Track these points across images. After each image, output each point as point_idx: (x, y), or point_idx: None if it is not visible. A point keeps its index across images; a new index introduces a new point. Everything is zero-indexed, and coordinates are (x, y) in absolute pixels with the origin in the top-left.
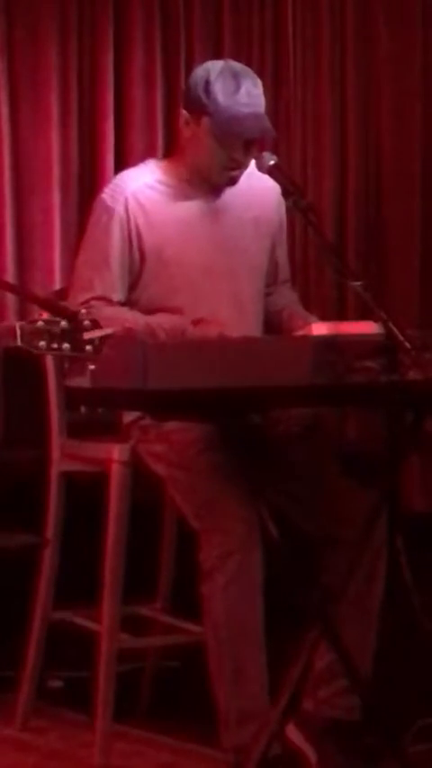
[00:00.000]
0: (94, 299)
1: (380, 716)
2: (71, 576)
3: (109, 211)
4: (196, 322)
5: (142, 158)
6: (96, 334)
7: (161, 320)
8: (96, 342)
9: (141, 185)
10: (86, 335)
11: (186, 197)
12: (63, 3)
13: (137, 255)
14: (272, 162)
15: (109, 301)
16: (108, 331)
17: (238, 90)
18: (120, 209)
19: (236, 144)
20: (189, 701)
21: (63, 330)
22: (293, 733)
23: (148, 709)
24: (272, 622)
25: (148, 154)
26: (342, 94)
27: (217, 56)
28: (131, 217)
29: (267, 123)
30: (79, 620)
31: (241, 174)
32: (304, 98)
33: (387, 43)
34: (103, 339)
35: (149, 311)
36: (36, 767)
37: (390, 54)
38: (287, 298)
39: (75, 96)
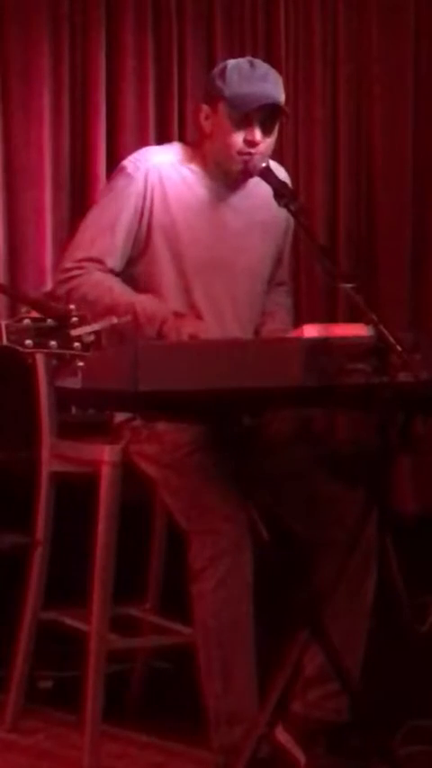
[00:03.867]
0: (89, 259)
1: (369, 717)
2: (61, 577)
3: (128, 178)
4: (178, 315)
5: None
6: (84, 330)
7: (146, 303)
8: (84, 338)
9: (165, 162)
10: (74, 332)
11: (203, 185)
12: (55, 2)
13: (144, 229)
14: (263, 164)
15: (103, 265)
16: (96, 327)
17: (253, 72)
18: (139, 178)
19: (251, 122)
20: (178, 701)
21: (50, 327)
22: (282, 734)
23: (138, 710)
24: (261, 624)
25: None
26: (334, 98)
27: (209, 56)
28: (149, 189)
29: (281, 97)
30: (69, 621)
31: (256, 164)
32: (296, 102)
33: (379, 47)
34: (91, 335)
35: (145, 290)
36: None
37: (381, 57)
38: (276, 301)
39: (66, 96)
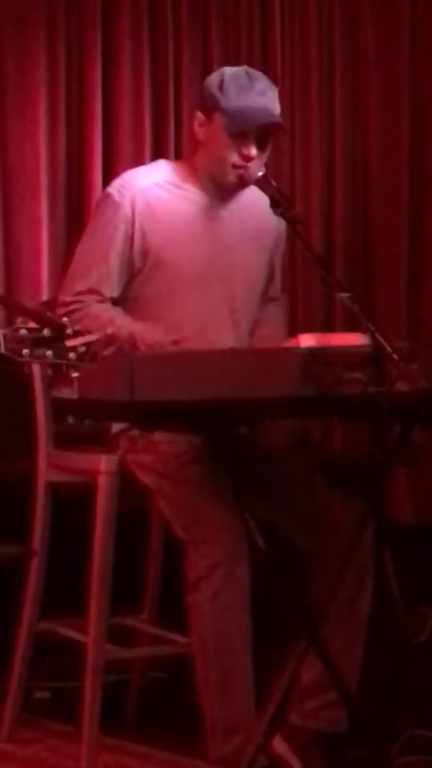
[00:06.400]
0: (88, 290)
1: (367, 728)
2: (58, 587)
3: (115, 206)
4: (176, 342)
5: (130, 168)
6: (79, 341)
7: (145, 333)
8: (80, 349)
9: (150, 184)
10: (69, 343)
11: (193, 200)
12: (51, 12)
13: (138, 253)
14: (259, 173)
15: (101, 295)
16: (91, 338)
17: (251, 86)
18: (126, 205)
19: (247, 136)
20: (175, 712)
21: (46, 337)
22: (280, 745)
23: (135, 721)
24: (259, 634)
25: (137, 164)
26: (330, 105)
27: (205, 64)
28: (137, 215)
29: (277, 110)
30: (65, 631)
31: (252, 176)
32: (292, 108)
33: (375, 52)
34: (86, 346)
35: (144, 310)
36: None
37: (378, 63)
38: (268, 312)
39: (63, 106)
